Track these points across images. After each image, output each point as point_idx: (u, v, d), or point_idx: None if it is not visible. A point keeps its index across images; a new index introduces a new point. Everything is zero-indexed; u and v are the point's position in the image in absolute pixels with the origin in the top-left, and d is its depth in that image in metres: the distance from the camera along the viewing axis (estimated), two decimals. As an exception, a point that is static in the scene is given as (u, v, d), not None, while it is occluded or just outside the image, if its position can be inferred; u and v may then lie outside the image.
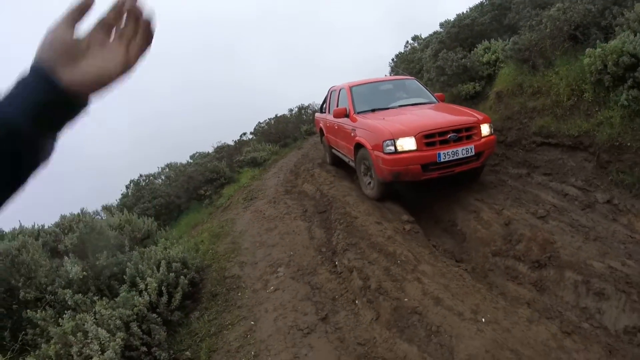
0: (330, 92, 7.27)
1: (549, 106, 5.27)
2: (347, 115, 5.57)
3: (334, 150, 7.07)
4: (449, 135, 4.21)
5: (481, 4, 10.12)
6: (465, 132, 4.33)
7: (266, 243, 4.60)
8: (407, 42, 16.61)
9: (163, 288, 3.22)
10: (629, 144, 4.04)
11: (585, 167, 4.54)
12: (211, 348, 2.95)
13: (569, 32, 5.54)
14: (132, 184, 9.58)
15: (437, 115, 4.88)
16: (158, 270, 3.40)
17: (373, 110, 5.43)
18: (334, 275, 3.59)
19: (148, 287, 3.13)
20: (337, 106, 6.30)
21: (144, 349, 2.68)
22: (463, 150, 4.22)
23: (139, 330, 2.73)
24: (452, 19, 11.41)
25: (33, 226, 3.80)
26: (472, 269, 3.19)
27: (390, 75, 16.28)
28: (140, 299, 2.95)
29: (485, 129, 4.45)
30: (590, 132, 4.43)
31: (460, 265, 3.24)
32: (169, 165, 9.93)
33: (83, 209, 4.52)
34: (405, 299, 2.83)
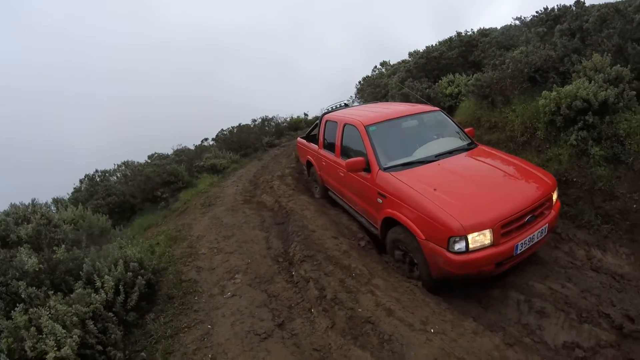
0: (325, 122, 5.78)
1: (504, 140, 5.73)
2: (366, 169, 4.15)
3: (331, 194, 5.83)
4: (527, 218, 3.24)
5: (450, 39, 10.55)
6: (540, 208, 3.38)
7: (224, 250, 4.62)
8: (375, 66, 17.25)
9: (120, 287, 3.18)
10: (574, 179, 4.50)
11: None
12: (167, 350, 2.94)
13: (528, 74, 6.00)
14: (86, 179, 9.12)
15: (507, 186, 3.51)
16: (115, 268, 3.35)
17: (404, 165, 3.96)
18: (290, 285, 3.70)
19: (105, 285, 3.08)
20: (341, 144, 5.02)
21: (99, 347, 2.64)
22: (538, 233, 3.30)
23: (94, 328, 2.69)
24: (420, 50, 11.88)
25: (-15, 213, 3.57)
26: (422, 285, 3.44)
27: (356, 97, 16.55)
28: (96, 296, 2.90)
29: (554, 196, 3.60)
30: (540, 167, 4.86)
31: (411, 281, 3.48)
32: (125, 164, 9.57)
33: (34, 199, 4.28)
34: (359, 309, 3.01)
